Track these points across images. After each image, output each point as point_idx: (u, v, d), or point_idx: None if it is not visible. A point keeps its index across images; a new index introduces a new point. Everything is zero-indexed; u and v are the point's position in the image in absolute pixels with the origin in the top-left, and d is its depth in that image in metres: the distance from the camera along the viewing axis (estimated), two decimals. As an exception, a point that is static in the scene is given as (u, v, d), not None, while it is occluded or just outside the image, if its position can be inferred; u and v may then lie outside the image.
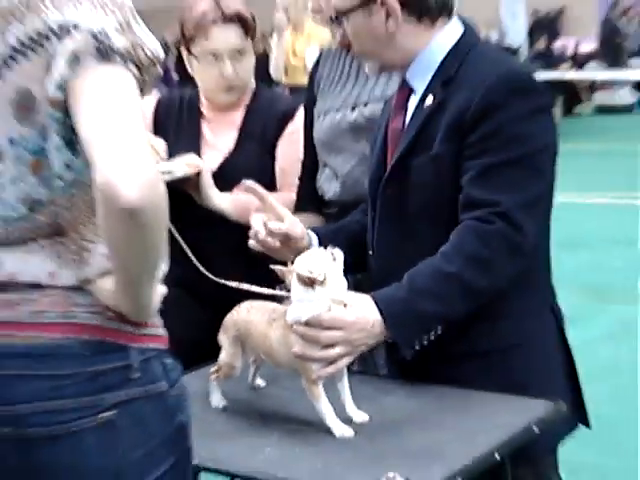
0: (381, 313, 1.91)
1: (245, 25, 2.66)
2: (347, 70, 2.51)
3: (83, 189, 1.46)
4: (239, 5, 2.68)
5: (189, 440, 1.62)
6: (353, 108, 2.45)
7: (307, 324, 1.89)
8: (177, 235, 1.78)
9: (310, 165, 2.58)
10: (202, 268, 2.06)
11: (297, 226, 2.18)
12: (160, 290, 1.57)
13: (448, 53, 2.03)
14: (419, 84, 2.06)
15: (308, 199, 2.58)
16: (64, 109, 1.42)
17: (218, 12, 2.62)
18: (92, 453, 1.50)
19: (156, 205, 1.37)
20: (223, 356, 2.11)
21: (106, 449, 1.50)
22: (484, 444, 1.84)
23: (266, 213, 2.16)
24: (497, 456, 1.83)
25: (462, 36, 2.05)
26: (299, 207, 2.57)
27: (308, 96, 2.62)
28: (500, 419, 1.92)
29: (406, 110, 2.09)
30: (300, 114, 2.70)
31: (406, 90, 2.11)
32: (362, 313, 1.92)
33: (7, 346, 1.51)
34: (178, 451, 1.59)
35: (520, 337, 2.08)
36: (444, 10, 2.02)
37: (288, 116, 2.69)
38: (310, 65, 7.57)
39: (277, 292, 2.12)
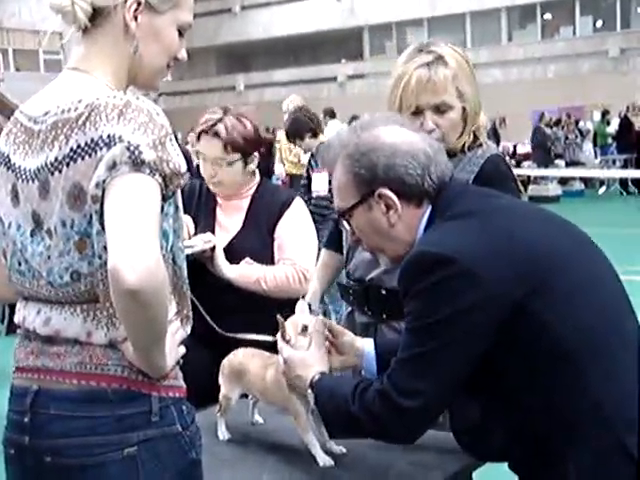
0: (312, 380, 1.79)
1: (225, 141, 2.62)
2: None
3: None
4: (236, 125, 2.63)
5: (200, 472, 1.60)
6: None
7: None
8: (196, 301, 1.79)
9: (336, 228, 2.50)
10: (216, 326, 2.08)
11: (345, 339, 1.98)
12: (180, 350, 1.58)
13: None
14: None
15: (333, 243, 2.52)
16: (101, 204, 1.42)
17: (209, 125, 2.63)
18: None
19: (155, 288, 1.36)
20: (222, 391, 2.14)
21: (129, 478, 1.50)
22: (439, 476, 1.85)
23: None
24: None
25: (429, 216, 1.69)
26: (326, 245, 2.56)
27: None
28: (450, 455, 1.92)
29: None
30: (296, 202, 2.73)
31: None
32: (307, 367, 1.83)
33: (54, 391, 1.52)
34: None
35: None
36: (439, 187, 1.68)
37: (286, 204, 2.71)
38: (303, 161, 7.57)
39: (267, 338, 2.18)
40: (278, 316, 1.93)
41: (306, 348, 1.88)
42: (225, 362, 2.16)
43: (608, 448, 1.52)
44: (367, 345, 1.94)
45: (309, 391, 1.78)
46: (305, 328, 1.91)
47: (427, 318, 1.54)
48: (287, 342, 1.90)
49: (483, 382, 1.61)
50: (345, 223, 1.80)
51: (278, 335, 1.93)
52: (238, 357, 2.13)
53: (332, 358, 1.91)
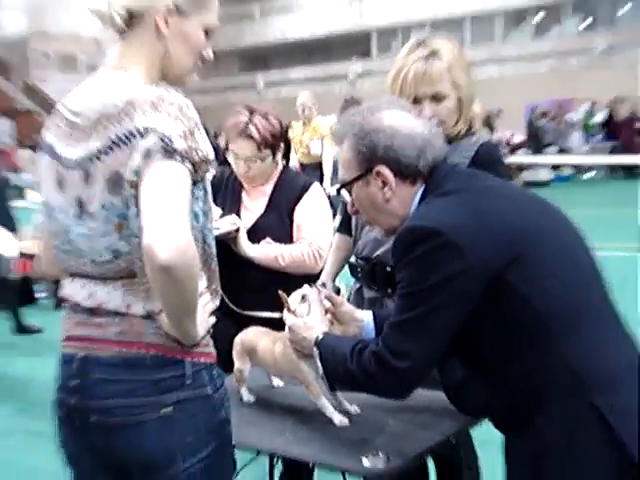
0: (317, 339, 1.81)
1: (258, 142, 2.62)
2: None
3: None
4: (265, 125, 2.63)
5: (229, 429, 1.62)
6: None
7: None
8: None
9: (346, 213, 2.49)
10: (231, 304, 2.10)
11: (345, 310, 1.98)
12: (210, 320, 1.58)
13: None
14: None
15: (345, 228, 2.54)
16: (137, 189, 1.44)
17: (240, 127, 2.63)
18: (155, 437, 1.51)
19: (185, 264, 1.37)
20: (235, 366, 2.16)
21: (165, 434, 1.51)
22: (442, 431, 1.85)
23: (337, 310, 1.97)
24: (452, 440, 1.84)
25: (422, 193, 1.70)
26: (339, 230, 2.60)
27: None
28: (454, 414, 1.92)
29: None
30: (314, 187, 2.73)
31: None
32: (310, 328, 1.86)
33: (98, 357, 1.54)
34: (220, 438, 1.59)
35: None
36: (432, 168, 1.70)
37: (305, 189, 2.70)
38: (314, 151, 7.44)
39: (277, 315, 2.13)
40: (280, 292, 1.96)
41: (306, 314, 1.92)
42: (237, 340, 2.18)
43: (581, 411, 1.50)
44: (367, 316, 1.96)
45: (314, 349, 1.80)
46: (304, 297, 1.94)
47: (417, 285, 1.56)
48: (292, 313, 1.94)
49: (468, 349, 1.61)
50: (346, 194, 1.81)
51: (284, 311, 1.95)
52: (249, 335, 2.16)
53: (334, 328, 1.93)
